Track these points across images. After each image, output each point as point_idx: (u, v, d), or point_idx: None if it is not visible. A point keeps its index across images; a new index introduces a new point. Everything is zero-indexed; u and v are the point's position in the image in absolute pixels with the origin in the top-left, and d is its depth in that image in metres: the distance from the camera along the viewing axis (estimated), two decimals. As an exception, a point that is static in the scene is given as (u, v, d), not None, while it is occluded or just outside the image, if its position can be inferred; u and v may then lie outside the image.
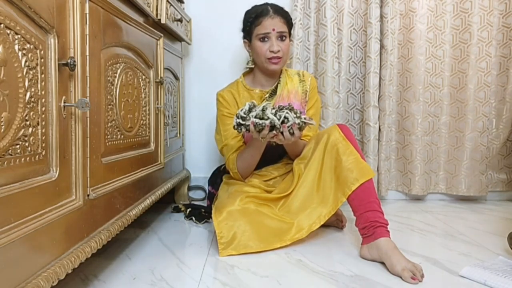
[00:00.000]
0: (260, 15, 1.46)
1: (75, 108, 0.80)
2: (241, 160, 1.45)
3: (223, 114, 1.52)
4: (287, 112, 1.24)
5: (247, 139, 1.48)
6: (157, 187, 1.44)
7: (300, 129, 1.26)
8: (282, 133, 1.25)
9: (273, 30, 1.44)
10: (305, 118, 1.26)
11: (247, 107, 1.26)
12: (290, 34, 1.52)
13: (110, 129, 1.00)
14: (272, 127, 1.24)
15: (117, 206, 1.05)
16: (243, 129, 1.26)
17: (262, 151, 1.43)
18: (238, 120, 1.25)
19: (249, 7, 1.53)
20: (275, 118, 1.23)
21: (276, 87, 1.55)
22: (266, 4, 1.50)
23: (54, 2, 0.73)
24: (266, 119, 1.23)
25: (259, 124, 1.22)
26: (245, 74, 1.62)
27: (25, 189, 0.65)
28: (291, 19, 1.52)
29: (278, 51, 1.44)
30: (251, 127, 1.23)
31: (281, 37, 1.46)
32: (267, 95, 1.53)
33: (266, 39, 1.46)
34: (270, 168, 1.54)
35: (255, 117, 1.23)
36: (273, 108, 1.27)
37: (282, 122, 1.23)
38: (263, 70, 1.52)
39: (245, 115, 1.25)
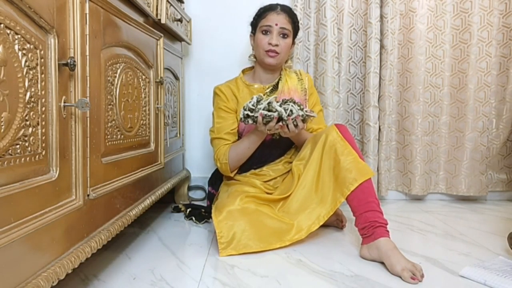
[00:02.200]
0: (267, 10, 1.51)
1: (75, 108, 0.80)
2: (235, 151, 1.46)
3: (219, 107, 1.53)
4: (291, 105, 1.30)
5: (246, 132, 1.49)
6: (157, 187, 1.44)
7: (304, 121, 1.33)
8: (287, 125, 1.31)
9: (276, 25, 1.47)
10: (306, 111, 1.33)
11: (255, 100, 1.32)
12: (294, 36, 1.55)
13: (110, 129, 1.00)
14: (279, 119, 1.30)
15: (117, 206, 1.05)
16: (250, 121, 1.32)
17: (258, 144, 1.45)
18: (246, 112, 1.31)
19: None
20: (282, 110, 1.29)
21: (277, 83, 1.56)
22: (277, 3, 1.54)
23: (54, 2, 0.73)
24: (274, 111, 1.29)
25: (268, 115, 1.29)
26: (244, 72, 1.63)
27: (25, 189, 0.65)
28: (297, 21, 1.56)
29: (277, 45, 1.47)
30: (259, 119, 1.29)
31: (283, 34, 1.49)
32: (267, 91, 1.55)
33: (268, 33, 1.49)
34: (270, 169, 1.54)
35: (263, 109, 1.29)
36: (277, 102, 1.33)
37: (287, 114, 1.30)
38: (261, 64, 1.54)
39: (253, 107, 1.30)
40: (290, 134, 1.35)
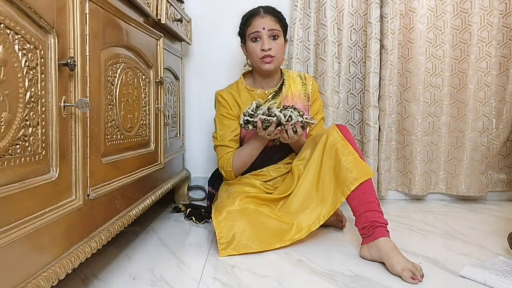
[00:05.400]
0: (251, 16, 1.49)
1: (75, 108, 0.80)
2: (238, 158, 1.47)
3: (221, 114, 1.53)
4: (291, 111, 1.32)
5: (248, 138, 1.49)
6: (157, 187, 1.44)
7: (303, 127, 1.34)
8: (286, 131, 1.32)
9: (263, 28, 1.46)
10: (306, 118, 1.34)
11: (254, 105, 1.33)
12: (285, 34, 1.53)
13: (110, 129, 1.00)
14: (278, 124, 1.31)
15: (117, 206, 1.05)
16: (250, 127, 1.33)
17: (260, 150, 1.46)
18: (246, 118, 1.33)
19: (249, 7, 1.55)
20: (281, 114, 1.30)
21: (280, 88, 1.56)
22: (259, 6, 1.53)
23: (54, 2, 0.73)
24: (273, 116, 1.30)
25: (267, 120, 1.30)
26: (245, 75, 1.62)
27: (25, 189, 0.65)
28: (284, 19, 1.53)
29: (270, 49, 1.45)
30: (259, 124, 1.31)
31: (273, 36, 1.47)
32: (269, 96, 1.54)
33: (258, 39, 1.47)
34: (270, 169, 1.54)
35: (263, 114, 1.30)
36: (277, 108, 1.34)
37: (287, 120, 1.31)
38: (259, 72, 1.53)
39: (253, 113, 1.32)
40: (290, 140, 1.36)
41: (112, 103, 1.02)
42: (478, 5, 1.90)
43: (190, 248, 1.31)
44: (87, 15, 0.85)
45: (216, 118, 1.55)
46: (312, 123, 1.38)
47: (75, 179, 0.81)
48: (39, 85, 0.70)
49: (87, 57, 0.86)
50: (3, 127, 0.61)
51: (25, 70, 0.66)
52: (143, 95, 1.24)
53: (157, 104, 1.38)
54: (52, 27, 0.73)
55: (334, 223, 1.52)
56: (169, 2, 1.52)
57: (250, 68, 1.59)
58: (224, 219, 1.26)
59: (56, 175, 0.75)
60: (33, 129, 0.69)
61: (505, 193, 2.06)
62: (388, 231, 1.19)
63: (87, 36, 0.86)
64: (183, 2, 1.86)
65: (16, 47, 0.64)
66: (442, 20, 1.93)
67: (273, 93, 1.55)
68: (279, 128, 1.32)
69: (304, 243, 1.32)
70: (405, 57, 1.96)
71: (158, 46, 1.38)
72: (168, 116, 1.62)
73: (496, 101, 1.98)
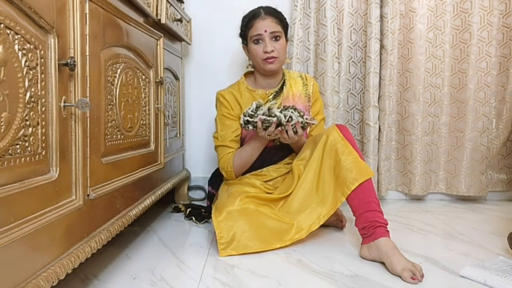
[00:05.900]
0: (252, 18, 1.49)
1: (75, 108, 0.80)
2: (239, 158, 1.47)
3: (222, 115, 1.53)
4: (291, 112, 1.32)
5: (248, 138, 1.49)
6: (157, 187, 1.44)
7: (303, 128, 1.35)
8: (286, 131, 1.32)
9: (265, 31, 1.46)
10: (307, 118, 1.34)
11: (254, 106, 1.34)
12: (286, 33, 1.54)
13: (110, 129, 1.00)
14: (278, 124, 1.31)
15: (117, 206, 1.05)
16: (251, 127, 1.33)
17: (261, 151, 1.46)
18: (246, 118, 1.33)
19: (249, 7, 1.55)
20: (281, 115, 1.30)
21: (280, 88, 1.56)
22: (259, 7, 1.53)
23: (54, 2, 0.73)
24: (273, 117, 1.31)
25: (267, 120, 1.31)
26: (246, 75, 1.62)
27: (25, 189, 0.65)
28: (284, 18, 1.54)
29: (272, 51, 1.46)
30: (259, 124, 1.31)
31: (275, 37, 1.48)
32: (270, 97, 1.54)
33: (260, 41, 1.48)
34: (271, 169, 1.54)
35: (263, 114, 1.31)
36: (278, 108, 1.34)
37: (287, 120, 1.31)
38: (261, 72, 1.53)
39: (253, 113, 1.32)
40: (290, 140, 1.36)
41: (112, 103, 1.02)
42: (478, 5, 1.90)
43: (190, 248, 1.31)
44: (87, 15, 0.85)
45: (217, 118, 1.55)
46: (313, 124, 1.39)
47: (75, 179, 0.81)
48: (39, 85, 0.70)
49: (87, 57, 0.86)
50: (3, 127, 0.61)
51: (25, 70, 0.66)
52: (143, 95, 1.24)
53: (157, 104, 1.38)
54: (52, 27, 0.73)
55: (334, 223, 1.52)
56: (169, 2, 1.52)
57: (252, 70, 1.59)
58: (224, 219, 1.26)
59: (56, 175, 0.75)
60: (33, 129, 0.69)
61: (505, 193, 2.06)
62: (388, 231, 1.19)
63: (87, 36, 0.86)
64: (183, 2, 1.86)
65: (16, 47, 0.64)
66: (442, 20, 1.93)
67: (274, 93, 1.55)
68: (279, 128, 1.32)
69: (304, 243, 1.32)
70: (405, 57, 1.96)
71: (158, 46, 1.38)
72: (168, 116, 1.62)
73: (496, 101, 1.97)
